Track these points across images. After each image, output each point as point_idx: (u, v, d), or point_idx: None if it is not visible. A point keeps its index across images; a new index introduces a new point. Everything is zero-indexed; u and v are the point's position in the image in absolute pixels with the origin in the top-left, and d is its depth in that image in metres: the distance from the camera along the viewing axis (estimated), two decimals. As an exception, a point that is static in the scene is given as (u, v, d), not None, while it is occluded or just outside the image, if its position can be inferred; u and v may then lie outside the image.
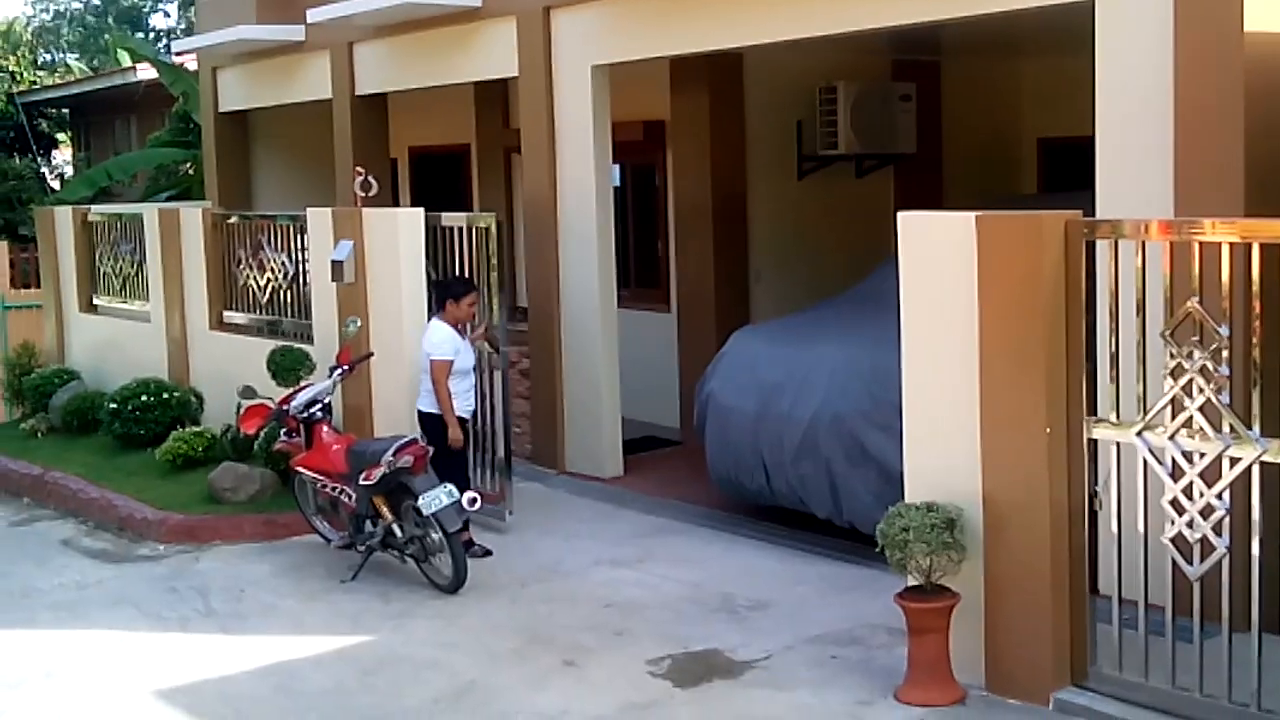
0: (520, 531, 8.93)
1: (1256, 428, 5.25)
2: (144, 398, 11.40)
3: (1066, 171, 10.97)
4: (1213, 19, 6.28)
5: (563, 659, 6.76)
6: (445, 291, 8.64)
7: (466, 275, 9.11)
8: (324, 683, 6.61)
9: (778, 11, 8.47)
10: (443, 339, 8.42)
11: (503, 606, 7.60)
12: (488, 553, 8.34)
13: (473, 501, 7.77)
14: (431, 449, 8.11)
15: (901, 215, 6.40)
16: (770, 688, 6.28)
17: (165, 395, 11.49)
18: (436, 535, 7.78)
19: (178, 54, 17.57)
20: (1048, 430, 5.74)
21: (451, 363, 8.37)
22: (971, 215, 6.01)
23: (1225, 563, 5.36)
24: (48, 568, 8.89)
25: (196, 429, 10.89)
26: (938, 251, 6.14)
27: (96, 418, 11.97)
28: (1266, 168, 6.31)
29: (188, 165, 18.16)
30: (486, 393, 9.01)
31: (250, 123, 14.75)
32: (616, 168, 10.73)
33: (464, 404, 8.55)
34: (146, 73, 19.82)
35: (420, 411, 8.57)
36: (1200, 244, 5.40)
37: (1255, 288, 5.20)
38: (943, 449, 6.16)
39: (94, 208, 14.76)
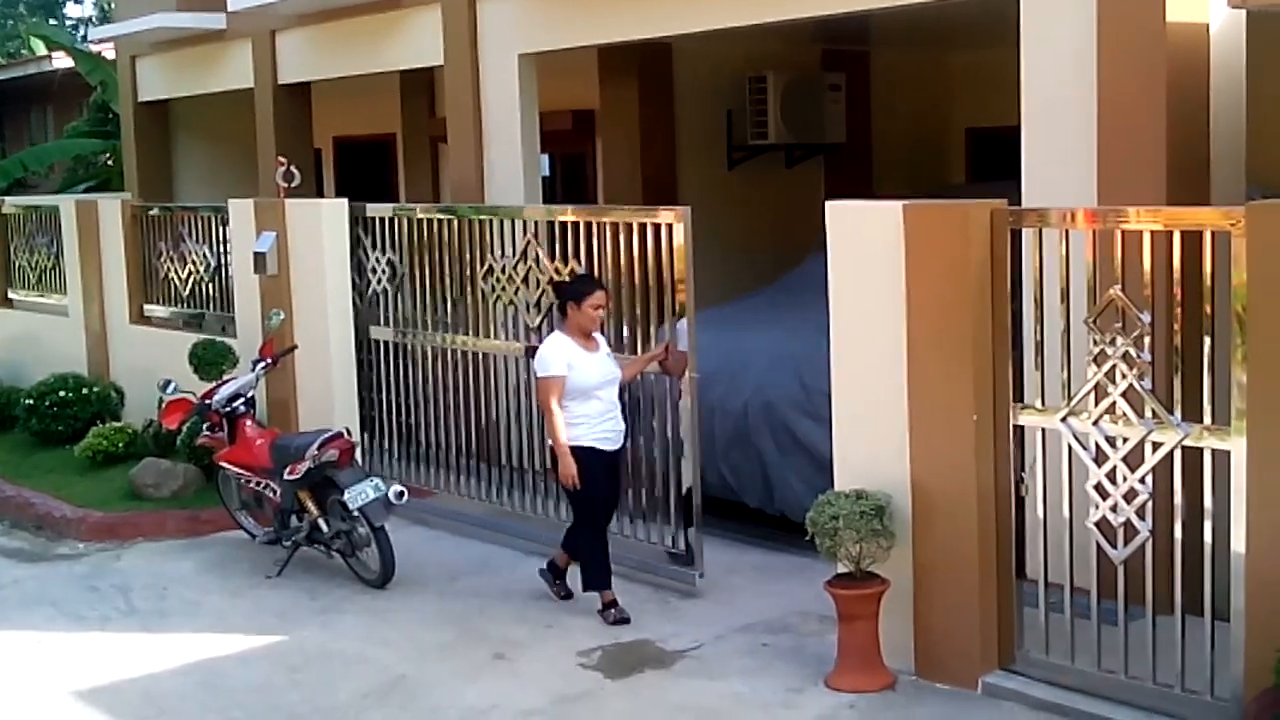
0: (448, 526, 8.86)
1: (1178, 412, 5.33)
2: (62, 393, 11.20)
3: (994, 161, 11.07)
4: (1135, 11, 6.35)
5: (493, 652, 6.71)
6: (565, 294, 7.17)
7: (642, 283, 7.59)
8: (250, 679, 6.52)
9: (707, 1, 8.45)
10: (551, 352, 7.01)
11: (432, 600, 7.54)
12: (625, 620, 6.97)
13: (400, 495, 7.69)
14: (355, 443, 8.02)
15: (829, 205, 6.42)
16: (702, 677, 6.28)
17: (84, 390, 11.30)
18: (363, 530, 7.71)
19: (95, 42, 17.21)
20: (974, 417, 5.79)
21: (561, 380, 6.93)
22: (898, 205, 6.04)
23: (1148, 546, 5.44)
24: (-38, 568, 8.69)
25: (117, 424, 10.71)
26: (865, 241, 6.17)
27: (12, 414, 11.74)
28: (1187, 157, 6.39)
29: (106, 156, 17.80)
30: (667, 427, 7.51)
31: (171, 112, 14.49)
32: (545, 157, 10.66)
33: (591, 432, 6.97)
34: (62, 61, 19.39)
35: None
36: (1123, 232, 5.47)
37: (1176, 275, 5.28)
38: (872, 437, 6.19)
39: (8, 199, 14.45)
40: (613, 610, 6.99)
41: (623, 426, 7.17)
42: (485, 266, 8.64)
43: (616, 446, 7.12)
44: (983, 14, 7.67)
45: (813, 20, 8.39)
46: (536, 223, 8.33)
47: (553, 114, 10.40)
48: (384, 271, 9.39)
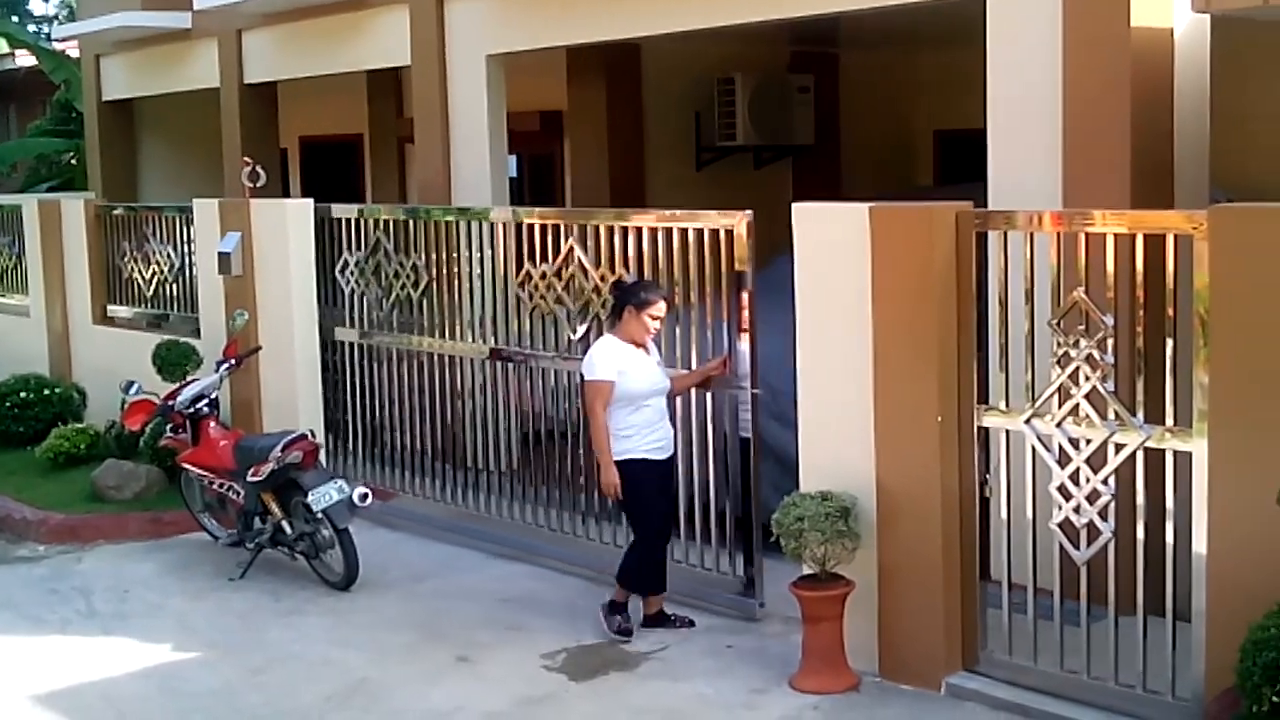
0: (413, 528, 8.82)
1: (1140, 414, 5.35)
2: (23, 394, 11.07)
3: (962, 163, 11.11)
4: (1100, 15, 6.38)
5: (456, 655, 6.68)
6: (626, 298, 6.72)
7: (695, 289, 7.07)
8: (211, 682, 6.46)
9: (675, 2, 8.45)
10: (601, 355, 6.65)
11: (396, 603, 7.49)
12: (690, 623, 6.83)
13: (364, 497, 7.65)
14: (319, 445, 7.96)
15: (796, 206, 6.43)
16: (666, 679, 6.27)
17: (46, 391, 11.18)
18: (327, 531, 7.66)
19: (59, 40, 17.05)
20: (939, 419, 5.79)
21: (610, 386, 6.59)
22: (864, 207, 6.05)
23: (1111, 547, 5.46)
24: (-80, 570, 8.57)
25: (79, 426, 10.60)
26: (832, 242, 6.17)
27: (-27, 415, 11.58)
28: (1151, 160, 6.43)
29: (70, 155, 17.66)
30: (724, 446, 7.03)
31: (136, 112, 14.39)
32: (513, 158, 10.64)
33: (643, 443, 6.64)
34: (25, 59, 19.22)
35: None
36: (1087, 235, 5.49)
37: (1139, 277, 5.30)
38: (837, 438, 6.19)
39: (-29, 198, 14.30)
40: (673, 616, 6.76)
41: (672, 434, 6.86)
42: (522, 273, 8.08)
43: (668, 455, 6.79)
44: (950, 17, 7.70)
45: (782, 22, 8.39)
46: (583, 228, 7.69)
47: (520, 114, 10.38)
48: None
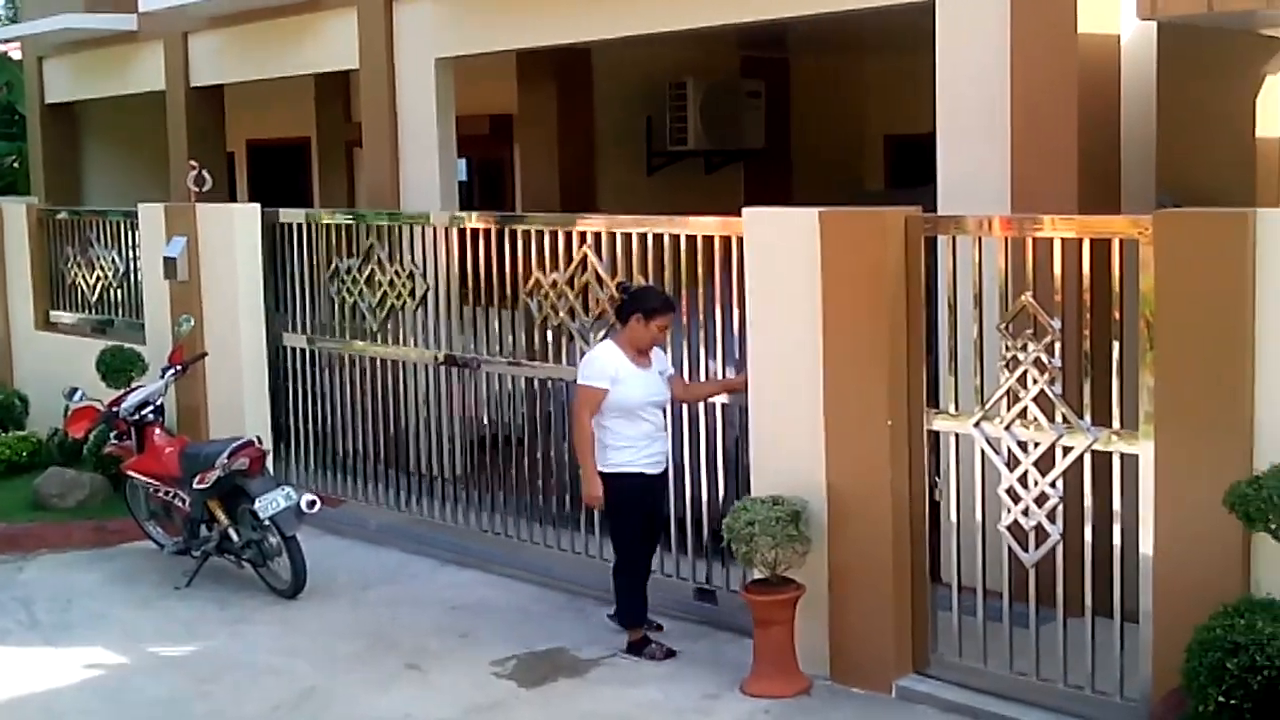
0: (362, 534, 8.74)
1: (1088, 417, 5.38)
2: (-36, 401, 10.91)
3: (911, 167, 11.18)
4: (1047, 21, 6.43)
5: (406, 662, 6.62)
6: (634, 305, 6.45)
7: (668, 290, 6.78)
8: (157, 692, 6.37)
9: (625, 6, 8.44)
10: (597, 361, 6.42)
11: (344, 610, 7.43)
12: (671, 653, 6.49)
13: (311, 504, 7.57)
14: (266, 452, 7.88)
15: (746, 211, 6.43)
16: (617, 684, 6.24)
17: (-14, 398, 11.02)
18: (274, 539, 7.58)
19: (1, 42, 16.82)
20: (889, 422, 5.81)
21: (603, 393, 6.33)
22: (815, 211, 6.05)
23: (1059, 549, 5.49)
24: None
25: (21, 433, 10.47)
26: (782, 247, 6.17)
27: (-88, 423, 11.38)
28: (1099, 165, 6.48)
29: (12, 159, 17.44)
30: (733, 455, 6.80)
31: (80, 115, 14.21)
32: (462, 162, 10.58)
33: (639, 456, 6.40)
34: (-34, 62, 18.96)
35: (601, 472, 6.44)
36: (1034, 239, 5.53)
37: (1086, 281, 5.34)
38: (788, 443, 6.19)
39: (-91, 202, 14.04)
40: (654, 646, 6.48)
41: (667, 448, 6.65)
42: (531, 281, 7.66)
43: (661, 470, 6.59)
44: (899, 22, 7.74)
45: (732, 27, 8.40)
46: (598, 234, 7.29)
47: (470, 118, 10.33)
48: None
